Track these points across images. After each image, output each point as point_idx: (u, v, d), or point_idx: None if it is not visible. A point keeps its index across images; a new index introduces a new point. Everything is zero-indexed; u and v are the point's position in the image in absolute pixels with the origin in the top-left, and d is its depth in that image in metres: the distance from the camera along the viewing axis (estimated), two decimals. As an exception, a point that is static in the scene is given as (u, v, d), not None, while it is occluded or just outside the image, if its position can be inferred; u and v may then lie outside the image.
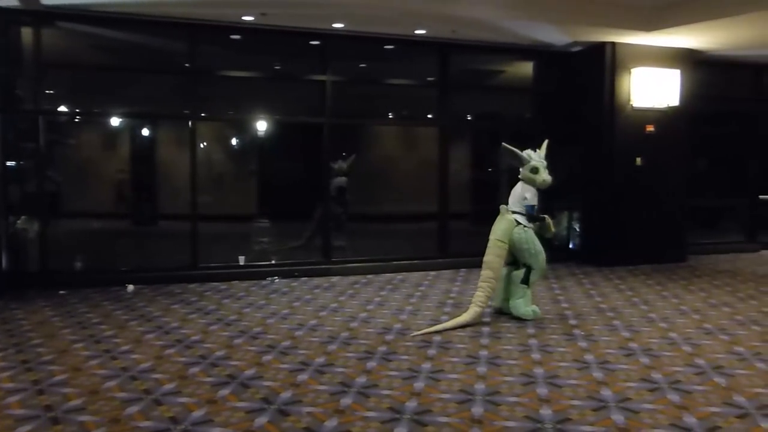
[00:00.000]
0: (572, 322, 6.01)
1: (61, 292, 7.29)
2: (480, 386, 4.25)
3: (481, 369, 4.61)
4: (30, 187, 7.87)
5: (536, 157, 6.11)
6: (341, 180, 9.73)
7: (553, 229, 6.30)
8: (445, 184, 9.37)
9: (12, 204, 7.73)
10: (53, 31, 7.79)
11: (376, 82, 9.65)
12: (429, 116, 10.19)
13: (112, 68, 8.75)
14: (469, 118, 11.09)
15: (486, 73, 10.83)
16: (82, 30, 8.05)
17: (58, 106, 8.89)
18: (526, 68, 10.20)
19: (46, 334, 5.54)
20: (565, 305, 6.73)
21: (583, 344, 5.26)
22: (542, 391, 4.16)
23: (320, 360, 4.83)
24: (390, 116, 11.21)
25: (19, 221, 7.84)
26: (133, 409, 3.85)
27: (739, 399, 4.01)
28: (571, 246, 10.02)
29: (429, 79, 9.54)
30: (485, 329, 5.72)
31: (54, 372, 4.52)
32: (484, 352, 5.02)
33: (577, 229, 9.97)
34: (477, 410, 3.83)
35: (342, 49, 8.70)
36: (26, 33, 7.63)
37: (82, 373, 4.51)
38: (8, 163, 7.68)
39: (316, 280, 8.16)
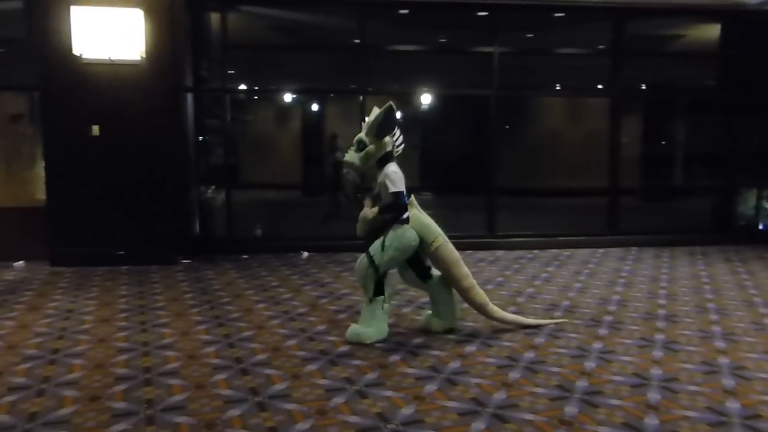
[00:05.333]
0: (762, 310, 5.51)
1: (244, 256, 7.93)
2: (656, 371, 4.05)
3: (657, 353, 4.38)
4: (216, 160, 8.59)
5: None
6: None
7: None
8: (615, 158, 8.91)
9: (203, 175, 8.49)
10: (236, 14, 8.38)
11: (545, 53, 9.35)
12: (599, 87, 9.70)
13: (288, 48, 9.25)
14: (643, 88, 10.41)
15: (663, 38, 10.08)
16: (261, 12, 8.58)
17: (239, 84, 9.57)
18: (709, 31, 9.34)
19: (233, 293, 6.08)
20: (753, 291, 6.18)
21: (774, 334, 4.82)
22: (728, 382, 3.88)
23: (486, 333, 4.86)
24: (557, 87, 10.83)
25: (209, 191, 8.61)
26: (311, 367, 4.12)
27: None
28: (760, 227, 9.12)
29: (600, 47, 9.07)
30: (660, 312, 5.41)
31: (242, 328, 4.96)
32: (659, 336, 4.76)
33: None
34: (653, 396, 3.66)
35: (510, 19, 8.51)
36: (214, 17, 8.27)
37: (266, 331, 4.89)
38: (198, 138, 8.44)
39: (480, 254, 8.15)
